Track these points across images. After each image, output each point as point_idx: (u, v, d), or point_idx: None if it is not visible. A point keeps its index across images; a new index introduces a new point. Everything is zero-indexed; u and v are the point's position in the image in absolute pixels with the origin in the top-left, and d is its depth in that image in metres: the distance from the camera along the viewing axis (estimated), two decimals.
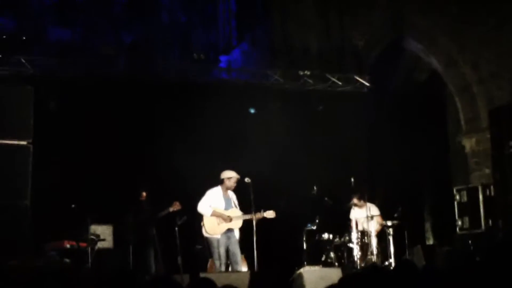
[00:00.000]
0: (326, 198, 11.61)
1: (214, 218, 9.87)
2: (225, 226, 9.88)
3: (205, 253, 10.72)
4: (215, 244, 9.87)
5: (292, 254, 11.67)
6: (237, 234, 10.03)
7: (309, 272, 10.16)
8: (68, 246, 10.36)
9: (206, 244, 10.22)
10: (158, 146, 11.87)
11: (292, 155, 12.45)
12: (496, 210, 12.07)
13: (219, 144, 12.31)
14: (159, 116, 12.08)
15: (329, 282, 7.99)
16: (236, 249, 9.91)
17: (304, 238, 11.65)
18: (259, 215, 9.90)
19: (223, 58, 15.05)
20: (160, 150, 11.79)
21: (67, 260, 10.17)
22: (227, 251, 9.90)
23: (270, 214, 9.99)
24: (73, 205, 10.21)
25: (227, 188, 10.03)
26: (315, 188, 11.83)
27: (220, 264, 9.81)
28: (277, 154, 12.26)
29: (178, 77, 12.62)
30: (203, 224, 9.98)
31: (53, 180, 11.06)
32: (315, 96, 13.17)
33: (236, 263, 9.88)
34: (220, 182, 10.11)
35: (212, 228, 9.88)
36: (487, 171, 13.77)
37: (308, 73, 13.00)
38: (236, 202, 10.10)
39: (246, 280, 7.01)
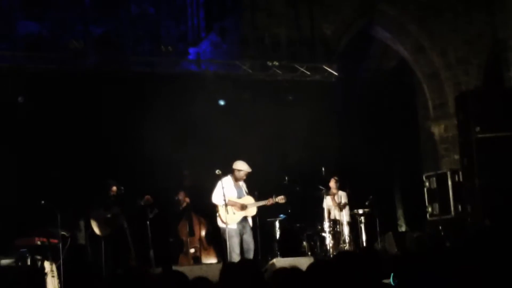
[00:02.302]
0: (286, 178, 11.64)
1: (229, 208, 9.83)
2: (241, 214, 9.88)
3: (176, 246, 10.69)
4: (232, 233, 9.82)
5: (265, 245, 11.70)
6: (250, 222, 10.03)
7: (282, 262, 10.19)
8: (39, 242, 10.25)
9: (221, 235, 10.14)
10: (128, 139, 11.80)
11: (263, 146, 12.46)
12: (465, 196, 12.19)
13: (190, 136, 12.28)
14: (128, 110, 12.01)
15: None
16: (249, 238, 9.95)
17: (277, 228, 11.69)
18: (271, 201, 9.96)
19: (192, 50, 15.01)
20: (129, 143, 11.73)
21: (38, 257, 10.09)
22: (241, 240, 9.90)
23: (281, 199, 10.04)
24: (42, 201, 10.10)
25: (236, 179, 10.02)
26: (286, 178, 11.87)
27: (234, 253, 9.77)
28: (247, 144, 12.27)
29: (147, 70, 12.56)
30: (219, 215, 9.94)
31: (22, 176, 10.96)
32: (284, 86, 13.19)
33: (248, 251, 9.87)
34: (231, 171, 10.09)
35: (228, 218, 9.80)
36: (456, 157, 13.92)
37: (277, 63, 13.01)
38: (247, 191, 10.10)
39: (218, 271, 6.99)
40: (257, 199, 10.20)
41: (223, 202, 9.81)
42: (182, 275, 4.56)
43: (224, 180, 9.95)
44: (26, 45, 17.08)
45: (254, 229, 10.34)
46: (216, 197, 9.97)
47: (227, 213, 9.74)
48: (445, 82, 15.41)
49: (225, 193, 9.82)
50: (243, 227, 9.94)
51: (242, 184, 10.15)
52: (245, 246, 9.92)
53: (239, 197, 10.04)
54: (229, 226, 9.86)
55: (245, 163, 10.06)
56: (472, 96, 12.09)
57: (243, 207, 9.89)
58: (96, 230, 10.49)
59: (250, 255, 9.92)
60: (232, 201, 9.92)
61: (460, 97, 12.71)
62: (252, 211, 9.98)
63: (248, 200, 10.00)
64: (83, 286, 10.02)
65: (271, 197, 10.04)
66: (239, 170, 10.01)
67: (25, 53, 11.98)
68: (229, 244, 9.83)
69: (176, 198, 11.77)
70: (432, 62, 15.63)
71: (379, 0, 15.36)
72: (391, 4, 15.43)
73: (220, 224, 10.04)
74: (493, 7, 15.42)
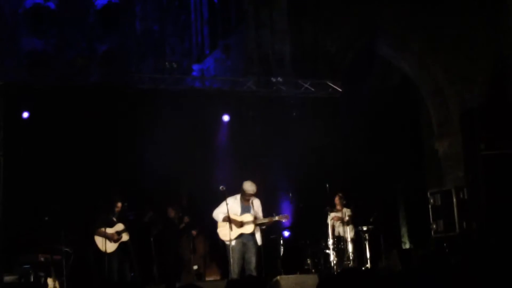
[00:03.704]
0: (290, 194, 11.61)
1: (227, 224, 9.85)
2: (238, 231, 9.86)
3: (179, 263, 10.63)
4: (229, 249, 9.85)
5: (269, 261, 11.66)
6: (259, 240, 9.99)
7: (286, 279, 10.16)
8: (42, 259, 10.24)
9: (223, 249, 10.17)
10: (132, 155, 11.81)
11: (266, 162, 12.46)
12: (470, 213, 12.13)
13: (195, 153, 12.29)
14: (132, 126, 12.03)
15: None
16: (251, 257, 9.80)
17: (281, 245, 11.65)
18: (272, 219, 9.92)
19: (196, 66, 15.06)
20: (133, 159, 11.74)
21: (42, 273, 10.08)
22: (243, 258, 9.85)
23: (282, 217, 10.00)
24: (46, 218, 10.10)
25: (244, 198, 10.02)
26: (290, 195, 11.85)
27: (233, 270, 9.74)
28: (251, 160, 12.27)
29: (151, 86, 12.59)
30: (219, 231, 9.98)
31: (26, 192, 10.96)
32: (288, 103, 13.21)
33: (249, 270, 9.81)
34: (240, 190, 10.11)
35: (225, 234, 9.84)
36: (460, 174, 13.86)
37: (281, 79, 13.03)
38: (258, 209, 10.02)
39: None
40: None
41: (221, 219, 9.86)
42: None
43: (230, 197, 9.95)
44: (31, 61, 17.16)
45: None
46: (216, 213, 10.00)
47: (230, 229, 9.78)
48: (449, 99, 15.41)
49: (226, 210, 9.85)
50: (244, 244, 9.87)
51: (255, 202, 10.07)
52: (246, 266, 9.86)
53: (242, 214, 10.00)
54: (228, 242, 9.87)
55: (253, 183, 9.99)
56: (477, 113, 12.07)
57: (241, 224, 9.86)
58: (100, 246, 10.46)
59: (249, 272, 9.83)
60: (231, 218, 9.90)
61: (464, 114, 12.69)
62: (248, 228, 9.92)
63: (246, 217, 9.96)
64: None
65: (272, 215, 9.98)
66: (244, 190, 10.01)
67: (30, 69, 12.02)
68: (228, 259, 9.86)
69: (169, 215, 11.81)
70: (436, 79, 15.64)
71: (382, 17, 15.40)
72: (395, 21, 15.48)
73: (221, 239, 10.07)
74: (497, 24, 15.46)
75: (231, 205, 9.87)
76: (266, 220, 9.91)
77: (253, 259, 9.82)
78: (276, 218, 9.94)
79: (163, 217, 11.73)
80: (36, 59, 17.18)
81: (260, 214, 9.97)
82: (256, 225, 9.87)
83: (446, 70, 15.45)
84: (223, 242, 10.04)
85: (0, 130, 10.32)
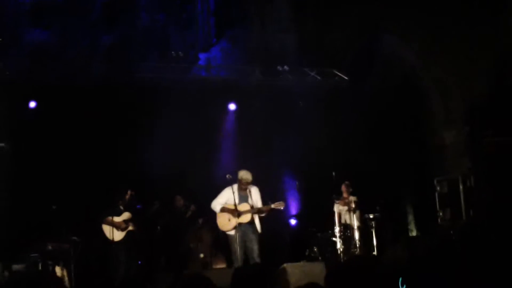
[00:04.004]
0: (296, 183, 11.63)
1: (225, 214, 9.91)
2: (236, 221, 9.90)
3: (185, 252, 10.68)
4: (229, 240, 9.93)
5: (276, 249, 11.70)
6: (258, 227, 10.02)
7: (293, 267, 10.19)
8: (50, 247, 10.31)
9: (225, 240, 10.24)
10: (138, 146, 11.85)
11: (273, 151, 12.48)
12: (476, 200, 12.13)
13: (201, 142, 12.32)
14: (139, 117, 12.06)
15: (313, 277, 8.04)
16: (253, 245, 9.87)
17: (288, 233, 11.69)
18: (268, 207, 9.94)
19: (202, 56, 15.06)
20: (140, 150, 11.78)
21: (50, 262, 10.14)
22: (245, 247, 9.90)
23: (278, 205, 10.03)
24: (54, 206, 10.16)
25: (241, 187, 10.05)
26: (297, 183, 11.87)
27: (236, 260, 9.81)
28: (258, 150, 12.29)
29: (157, 77, 12.60)
30: (218, 222, 10.03)
31: (34, 182, 11.03)
32: (294, 92, 13.21)
33: (252, 259, 9.86)
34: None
35: (223, 224, 9.96)
36: (466, 162, 13.84)
37: (287, 68, 13.03)
38: (256, 198, 10.05)
39: (229, 276, 7.02)
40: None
41: (218, 209, 9.90)
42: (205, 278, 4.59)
43: (229, 188, 10.00)
44: (33, 54, 17.18)
45: (264, 234, 10.30)
46: (213, 204, 10.05)
47: (226, 219, 9.88)
48: (454, 89, 15.36)
49: (224, 200, 9.92)
50: (244, 233, 9.90)
51: (254, 191, 10.10)
52: (249, 254, 9.90)
53: (239, 204, 10.04)
54: (227, 232, 9.94)
55: (248, 172, 10.03)
56: (482, 102, 12.06)
57: (238, 214, 9.89)
58: (108, 235, 10.53)
59: (253, 261, 9.87)
60: (227, 208, 9.94)
61: (470, 103, 12.68)
62: (246, 217, 9.95)
63: (244, 207, 9.99)
64: None
65: (267, 203, 10.01)
66: (240, 179, 10.04)
67: (33, 62, 12.04)
68: (230, 249, 9.93)
69: (177, 204, 11.85)
70: (441, 69, 15.57)
71: (386, 6, 15.31)
72: (398, 10, 15.40)
73: (220, 229, 10.14)
74: (503, 11, 15.37)
75: (229, 196, 9.92)
76: (262, 209, 9.94)
77: (255, 247, 9.86)
78: (272, 206, 9.97)
79: (169, 206, 11.78)
80: (39, 52, 17.19)
81: (259, 202, 10.01)
82: (253, 214, 9.91)
83: (451, 61, 15.38)
84: (223, 232, 10.10)
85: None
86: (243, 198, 10.02)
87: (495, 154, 11.57)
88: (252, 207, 9.90)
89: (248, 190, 10.02)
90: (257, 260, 9.79)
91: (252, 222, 9.93)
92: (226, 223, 9.92)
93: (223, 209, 9.94)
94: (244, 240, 9.84)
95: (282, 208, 10.15)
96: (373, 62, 14.01)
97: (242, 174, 10.07)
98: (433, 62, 15.52)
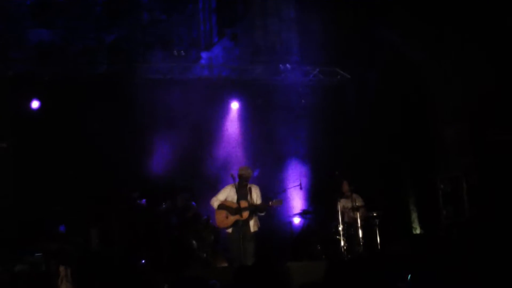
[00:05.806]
0: (300, 181, 11.62)
1: (223, 211, 9.90)
2: (233, 218, 9.89)
3: (187, 251, 10.69)
4: (227, 238, 9.95)
5: (279, 248, 11.69)
6: (254, 226, 9.99)
7: (295, 266, 10.17)
8: (53, 247, 10.31)
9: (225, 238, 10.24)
10: (141, 144, 11.86)
11: (275, 149, 12.47)
12: (479, 198, 12.10)
13: (204, 141, 12.31)
14: (141, 116, 12.07)
15: (316, 276, 8.02)
16: (248, 246, 9.87)
17: (290, 231, 11.67)
18: (265, 205, 9.94)
19: (204, 54, 15.05)
20: (143, 148, 11.79)
21: (53, 261, 10.14)
22: (242, 245, 9.86)
23: (275, 202, 10.01)
24: (57, 207, 10.17)
25: (241, 183, 10.04)
26: (300, 181, 11.86)
27: (234, 258, 9.80)
28: (260, 148, 12.28)
29: (159, 75, 12.61)
30: (215, 218, 10.05)
31: (37, 182, 11.03)
32: (297, 90, 13.20)
33: (247, 257, 9.83)
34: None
35: (221, 221, 9.96)
36: (469, 160, 13.80)
37: (289, 66, 13.02)
38: (256, 195, 10.03)
39: (229, 275, 7.02)
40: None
41: (216, 206, 9.89)
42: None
43: (229, 185, 10.00)
44: (38, 53, 17.17)
45: (267, 232, 10.29)
46: (212, 201, 10.05)
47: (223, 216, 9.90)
48: (457, 84, 15.31)
49: (224, 197, 9.91)
50: (241, 231, 9.86)
51: (254, 189, 10.09)
52: (245, 255, 9.88)
53: (238, 201, 10.01)
54: (224, 230, 9.95)
55: (248, 167, 10.06)
56: (486, 99, 12.03)
57: (237, 211, 9.87)
58: (112, 234, 10.54)
59: (248, 259, 9.84)
60: (225, 205, 9.93)
61: (474, 99, 12.64)
62: (244, 215, 9.94)
63: (242, 204, 9.98)
64: None
65: (266, 202, 10.00)
66: (240, 175, 10.04)
67: (37, 60, 12.04)
68: (228, 247, 9.94)
69: (178, 203, 11.86)
70: (444, 66, 15.52)
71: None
72: (400, 5, 15.36)
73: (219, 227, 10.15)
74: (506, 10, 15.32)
75: (229, 193, 9.92)
76: (260, 206, 9.93)
77: (251, 248, 9.85)
78: (270, 203, 9.97)
79: (171, 205, 11.78)
80: (44, 50, 17.21)
81: (258, 200, 10.01)
82: (251, 211, 9.90)
83: (454, 56, 15.33)
84: (223, 230, 10.09)
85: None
86: (242, 195, 10.02)
87: (498, 152, 11.53)
88: (250, 204, 9.89)
89: (248, 188, 10.02)
90: (252, 258, 9.79)
91: (249, 220, 9.93)
92: (223, 220, 9.93)
93: (221, 206, 9.94)
94: (241, 239, 9.84)
95: (280, 205, 10.15)
96: (375, 60, 13.97)
97: (243, 170, 10.09)
98: (436, 60, 15.48)
